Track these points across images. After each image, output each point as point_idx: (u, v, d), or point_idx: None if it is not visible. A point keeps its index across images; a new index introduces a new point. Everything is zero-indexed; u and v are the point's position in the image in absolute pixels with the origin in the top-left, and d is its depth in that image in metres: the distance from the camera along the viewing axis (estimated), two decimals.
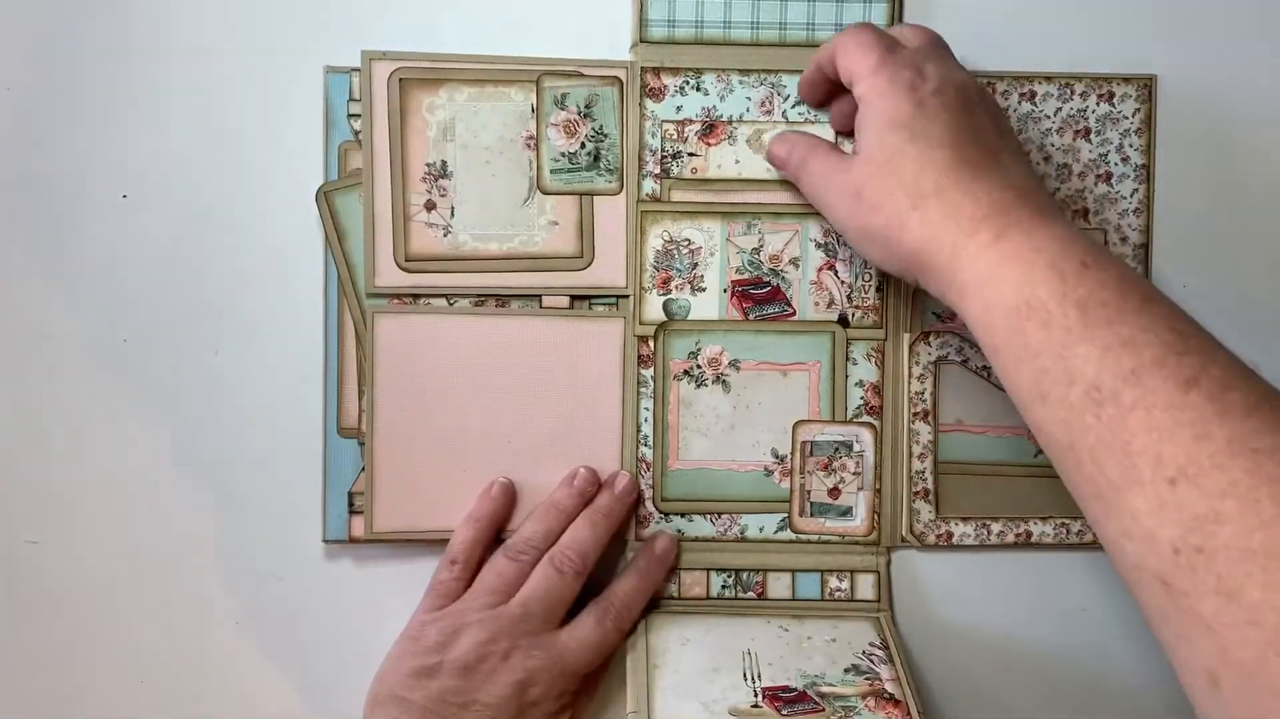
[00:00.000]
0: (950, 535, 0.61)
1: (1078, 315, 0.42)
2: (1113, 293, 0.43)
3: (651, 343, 0.60)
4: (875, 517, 0.61)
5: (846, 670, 0.56)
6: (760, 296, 0.60)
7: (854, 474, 0.61)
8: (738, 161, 0.59)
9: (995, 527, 0.61)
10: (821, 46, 0.56)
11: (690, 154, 0.58)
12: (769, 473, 0.60)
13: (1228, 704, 0.36)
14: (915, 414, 0.61)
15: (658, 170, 0.59)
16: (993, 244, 0.46)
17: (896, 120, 0.49)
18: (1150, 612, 0.39)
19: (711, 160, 0.59)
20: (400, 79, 0.58)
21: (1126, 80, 0.61)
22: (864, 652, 0.57)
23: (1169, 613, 0.38)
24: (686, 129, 0.58)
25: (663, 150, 0.59)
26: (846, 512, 0.61)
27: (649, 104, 0.59)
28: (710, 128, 0.58)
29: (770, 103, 0.59)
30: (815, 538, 0.61)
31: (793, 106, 0.59)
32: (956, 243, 0.47)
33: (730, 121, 0.59)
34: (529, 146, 0.59)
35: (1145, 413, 0.39)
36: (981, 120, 0.50)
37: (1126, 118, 0.61)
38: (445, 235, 0.59)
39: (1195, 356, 0.40)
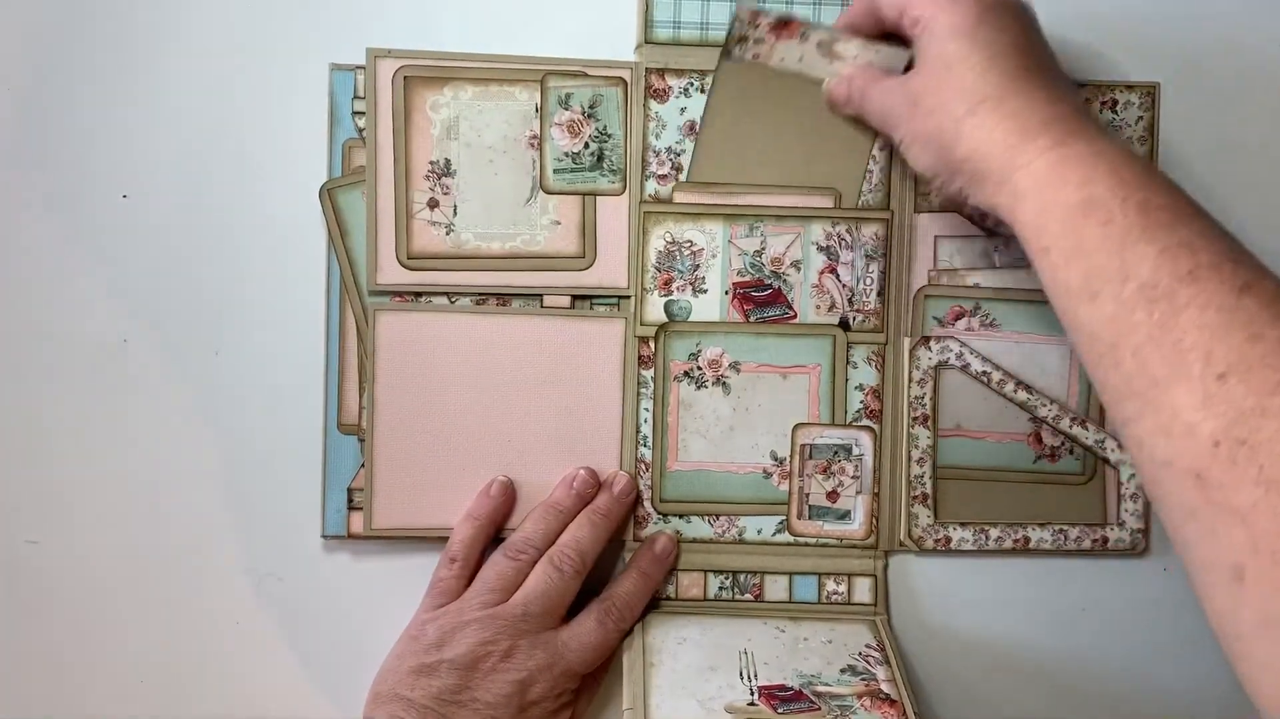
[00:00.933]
0: (948, 540, 0.61)
1: (1138, 216, 0.43)
2: (1174, 199, 0.44)
3: (652, 344, 0.60)
4: (873, 520, 0.61)
5: (843, 671, 0.56)
6: (761, 299, 0.60)
7: (853, 478, 0.61)
8: (800, 59, 0.58)
9: (993, 532, 0.61)
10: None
11: (756, 40, 0.57)
12: (768, 475, 0.60)
13: (1249, 597, 0.37)
14: (915, 419, 0.61)
15: (662, 173, 0.60)
16: (1054, 148, 0.46)
17: (960, 28, 0.50)
18: (1174, 510, 0.40)
19: (775, 53, 0.58)
20: (405, 77, 0.59)
21: (1129, 88, 0.61)
22: (860, 653, 0.57)
23: (1198, 508, 0.38)
24: (760, 19, 0.57)
25: (731, 33, 0.58)
26: (845, 515, 0.61)
27: (653, 105, 0.60)
28: (785, 23, 0.57)
29: None
30: (813, 541, 0.61)
31: None
32: (1014, 146, 0.47)
33: (806, 22, 0.58)
34: (532, 146, 0.59)
35: (1199, 311, 0.40)
36: (1040, 39, 0.52)
37: (1129, 125, 0.61)
38: (448, 233, 0.59)
39: (1249, 268, 0.41)
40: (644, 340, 0.60)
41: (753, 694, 0.54)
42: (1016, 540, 0.61)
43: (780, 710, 0.53)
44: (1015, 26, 0.50)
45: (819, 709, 0.53)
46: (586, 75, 0.59)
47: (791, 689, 0.54)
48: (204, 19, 0.59)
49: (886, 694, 0.54)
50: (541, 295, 0.60)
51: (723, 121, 0.58)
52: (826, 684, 0.55)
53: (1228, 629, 0.38)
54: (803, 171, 0.59)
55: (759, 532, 0.61)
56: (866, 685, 0.55)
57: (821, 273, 0.60)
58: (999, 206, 0.48)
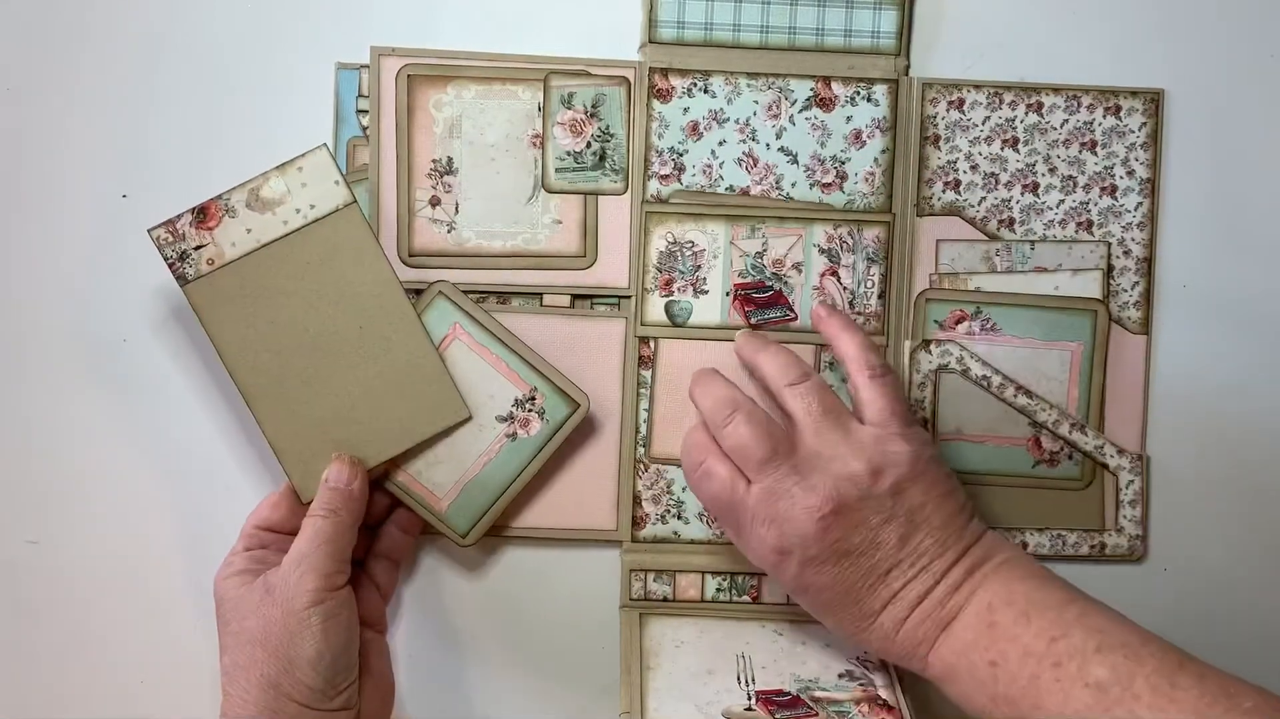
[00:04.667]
0: None
1: (1010, 711, 0.48)
2: (1027, 668, 0.48)
3: (652, 344, 0.60)
4: None
5: (840, 676, 0.56)
6: (762, 300, 0.60)
7: None
8: (250, 231, 0.52)
9: None
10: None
11: (198, 246, 0.52)
12: None
13: None
14: None
15: (665, 173, 0.59)
16: (924, 669, 0.52)
17: (774, 575, 0.54)
18: None
19: (225, 244, 0.53)
20: (408, 75, 0.58)
21: (1134, 94, 0.61)
22: (858, 658, 0.57)
23: None
24: (178, 224, 0.52)
25: (166, 258, 0.52)
26: None
27: (656, 105, 0.59)
28: (204, 211, 0.52)
29: (777, 106, 0.59)
30: None
31: (800, 111, 0.59)
32: (891, 657, 0.53)
33: (219, 196, 0.53)
34: (535, 145, 0.59)
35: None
36: (857, 552, 0.51)
37: (1133, 131, 0.61)
38: (449, 231, 0.59)
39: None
40: (644, 341, 0.60)
41: (750, 699, 0.54)
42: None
43: (777, 716, 0.53)
44: (820, 581, 0.52)
45: (816, 715, 0.53)
46: (589, 74, 0.59)
47: (789, 695, 0.54)
48: (211, 17, 0.59)
49: (884, 700, 0.54)
50: (541, 294, 0.60)
51: (240, 339, 0.53)
52: (824, 689, 0.55)
53: None
54: (356, 337, 0.55)
55: None
56: (864, 691, 0.55)
57: (823, 275, 0.60)
58: None
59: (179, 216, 0.53)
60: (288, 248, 0.53)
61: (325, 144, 0.55)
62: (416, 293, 0.59)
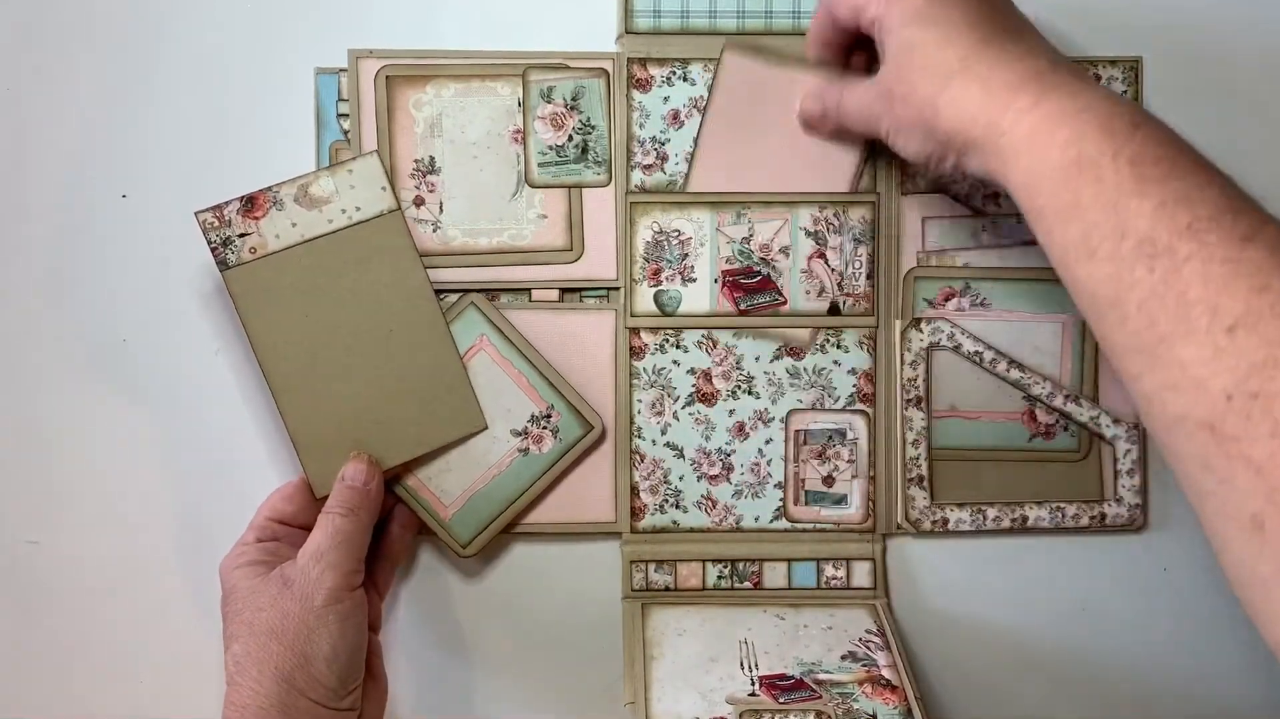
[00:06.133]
0: (946, 521, 0.61)
1: (1130, 171, 0.42)
2: (1166, 150, 0.42)
3: (644, 335, 0.60)
4: (870, 504, 0.61)
5: (843, 658, 0.56)
6: (751, 286, 0.60)
7: (848, 462, 0.61)
8: (295, 225, 0.55)
9: (991, 512, 0.60)
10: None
11: (241, 234, 0.54)
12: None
13: (1270, 546, 0.37)
14: (908, 401, 0.60)
15: (647, 163, 0.59)
16: (1034, 107, 0.45)
17: (911, 14, 0.49)
18: (1188, 461, 0.39)
19: (269, 236, 0.55)
20: (387, 76, 0.59)
21: (1112, 63, 0.60)
22: (860, 639, 0.57)
23: (1212, 460, 0.38)
24: (225, 210, 0.55)
25: (209, 242, 0.54)
26: (841, 499, 0.61)
27: (636, 95, 0.59)
28: (251, 200, 0.55)
29: None
30: (810, 526, 0.61)
31: None
32: (993, 111, 0.46)
33: (269, 188, 0.56)
34: (516, 140, 0.59)
35: (1201, 265, 0.39)
36: (1002, 4, 0.50)
37: None
38: (434, 231, 0.59)
39: (1251, 215, 0.40)
40: (635, 331, 0.60)
41: (753, 684, 0.54)
42: (1014, 520, 0.61)
43: (781, 700, 0.53)
44: (968, 1, 0.49)
45: (820, 697, 0.53)
46: (568, 67, 0.59)
47: (792, 678, 0.54)
48: (200, 25, 0.60)
49: (888, 680, 0.54)
50: (530, 289, 0.60)
51: (272, 329, 0.55)
52: (827, 672, 0.55)
53: (1246, 577, 0.38)
54: (385, 339, 0.57)
55: (756, 519, 0.60)
56: (868, 672, 0.55)
57: (810, 258, 0.60)
58: (992, 172, 0.47)
59: (227, 203, 0.55)
60: (330, 246, 0.56)
61: (377, 150, 0.57)
62: (439, 292, 0.59)
